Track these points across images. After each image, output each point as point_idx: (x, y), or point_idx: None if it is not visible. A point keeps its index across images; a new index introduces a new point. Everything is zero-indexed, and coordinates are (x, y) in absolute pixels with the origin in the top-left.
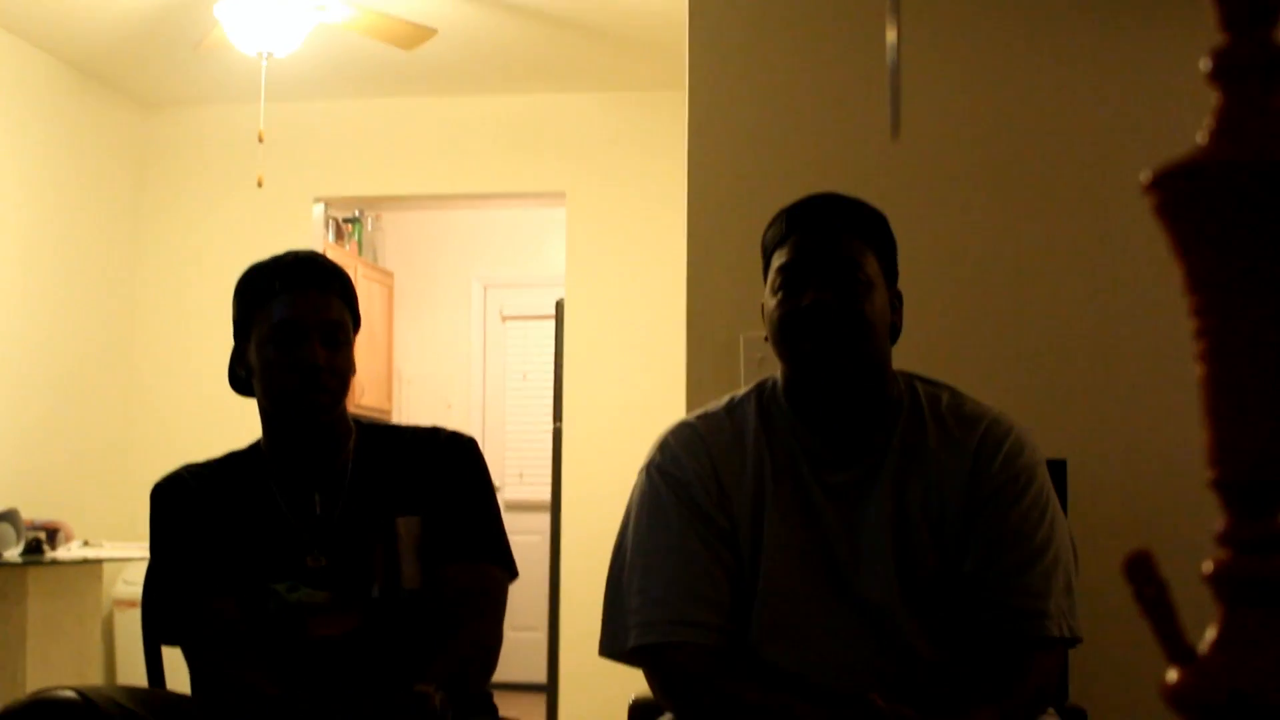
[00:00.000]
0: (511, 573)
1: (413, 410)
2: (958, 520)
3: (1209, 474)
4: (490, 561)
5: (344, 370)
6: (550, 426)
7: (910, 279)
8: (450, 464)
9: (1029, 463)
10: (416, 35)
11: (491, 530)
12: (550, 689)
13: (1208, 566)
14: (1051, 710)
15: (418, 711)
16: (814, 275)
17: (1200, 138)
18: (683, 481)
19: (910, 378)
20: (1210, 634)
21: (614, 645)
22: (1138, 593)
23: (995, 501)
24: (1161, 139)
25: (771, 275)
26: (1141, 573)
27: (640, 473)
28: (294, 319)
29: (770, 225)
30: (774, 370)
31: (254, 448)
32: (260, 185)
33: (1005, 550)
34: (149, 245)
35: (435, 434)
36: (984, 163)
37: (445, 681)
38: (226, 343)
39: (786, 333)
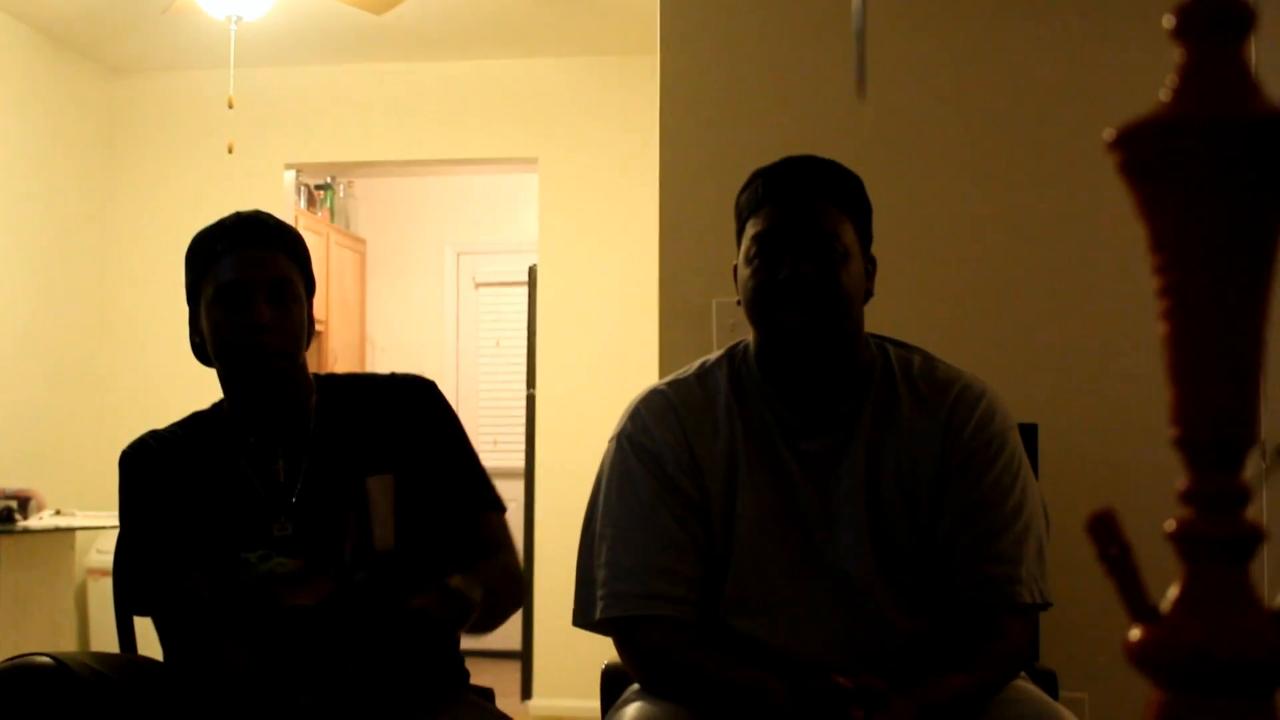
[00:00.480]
0: (503, 508)
1: None
2: (930, 487)
3: (1172, 432)
4: (487, 510)
5: (294, 328)
6: (524, 393)
7: (881, 243)
8: (418, 414)
9: (1000, 428)
10: (388, 0)
11: (477, 479)
12: (525, 656)
13: (1170, 525)
14: (1023, 674)
15: (453, 605)
16: (791, 246)
17: (1163, 94)
18: (653, 452)
19: (882, 341)
20: (1172, 592)
21: (584, 616)
22: (1101, 552)
23: (967, 468)
24: (1132, 97)
25: (746, 243)
26: (1104, 532)
27: (610, 441)
28: (238, 279)
29: (745, 187)
30: (746, 335)
31: (217, 408)
32: (230, 152)
33: (977, 517)
34: (119, 213)
35: (393, 380)
36: (953, 124)
37: (481, 587)
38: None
39: (762, 304)
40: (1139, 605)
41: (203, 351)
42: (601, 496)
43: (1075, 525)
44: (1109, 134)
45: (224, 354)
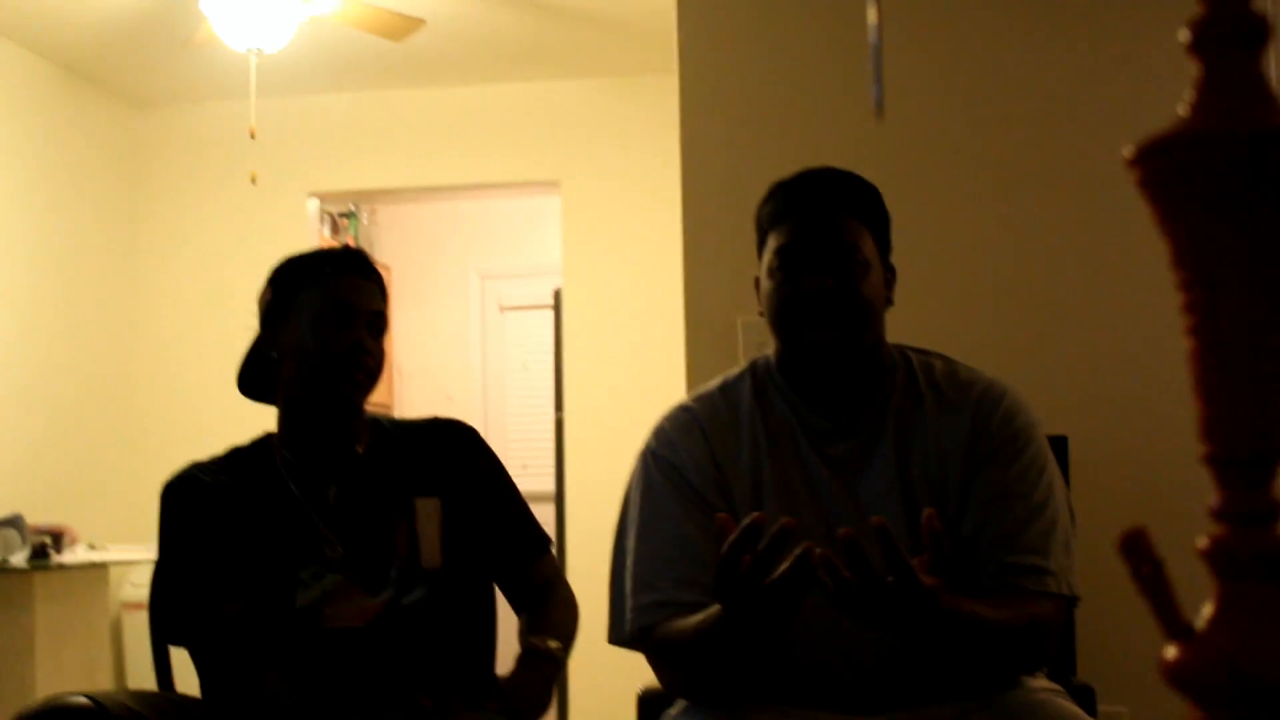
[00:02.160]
0: (551, 544)
1: (413, 404)
2: (958, 483)
3: (1201, 449)
4: (541, 553)
5: (381, 361)
6: (552, 416)
7: (907, 256)
8: (462, 455)
9: (1025, 424)
10: (405, 26)
11: (528, 522)
12: (560, 679)
13: (1202, 542)
14: (1061, 690)
15: (541, 663)
16: (812, 259)
17: (1181, 109)
18: (677, 466)
19: (902, 348)
20: (1207, 610)
21: (617, 632)
22: (1134, 570)
23: (992, 462)
24: (1151, 111)
25: (768, 255)
26: (1137, 550)
27: (637, 459)
28: (347, 301)
29: (766, 200)
30: (771, 353)
31: (259, 443)
32: (254, 182)
33: (1003, 509)
34: (145, 244)
35: (436, 423)
36: (976, 138)
37: (559, 635)
38: (226, 340)
39: (786, 316)
40: (1173, 624)
41: (252, 383)
42: (629, 513)
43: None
44: (1128, 151)
45: (315, 370)
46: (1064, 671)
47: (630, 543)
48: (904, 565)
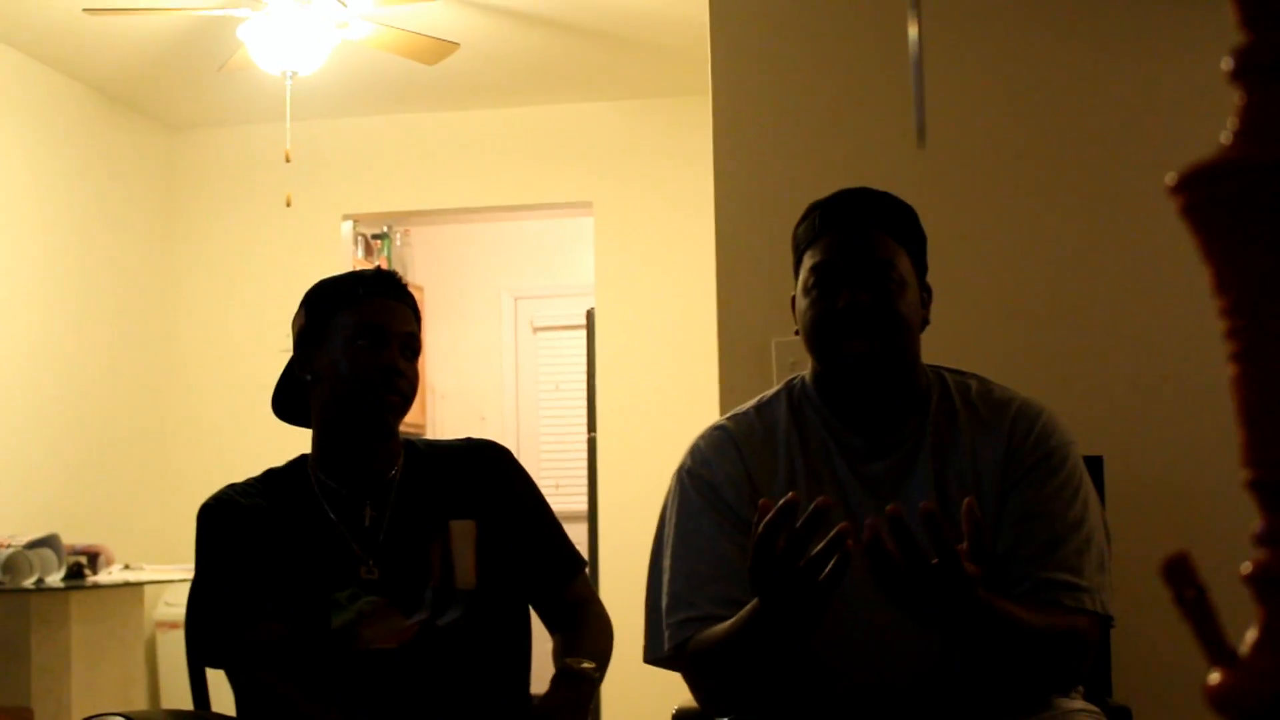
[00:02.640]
0: (585, 564)
1: (446, 424)
2: (993, 502)
3: (1245, 474)
4: (575, 573)
5: (416, 383)
6: (584, 436)
7: (944, 276)
8: (497, 476)
9: (1060, 443)
10: (439, 50)
11: (562, 544)
12: (594, 700)
13: (1246, 567)
14: (1098, 713)
15: (576, 684)
16: (848, 276)
17: (1224, 138)
18: (713, 484)
19: (937, 369)
20: (1251, 635)
21: (654, 651)
22: (1177, 596)
23: (1027, 481)
24: (1194, 136)
25: (804, 274)
26: (1180, 575)
27: (673, 478)
28: (380, 324)
29: (802, 220)
30: (807, 373)
31: (294, 465)
32: (289, 204)
33: (1037, 527)
34: (181, 267)
35: (470, 444)
36: (1014, 159)
37: (594, 655)
38: (262, 361)
39: (821, 334)
40: (1217, 649)
41: (287, 406)
42: (664, 532)
43: (1142, 558)
44: (1171, 178)
45: (350, 392)
46: (1100, 693)
47: (666, 561)
48: (949, 548)
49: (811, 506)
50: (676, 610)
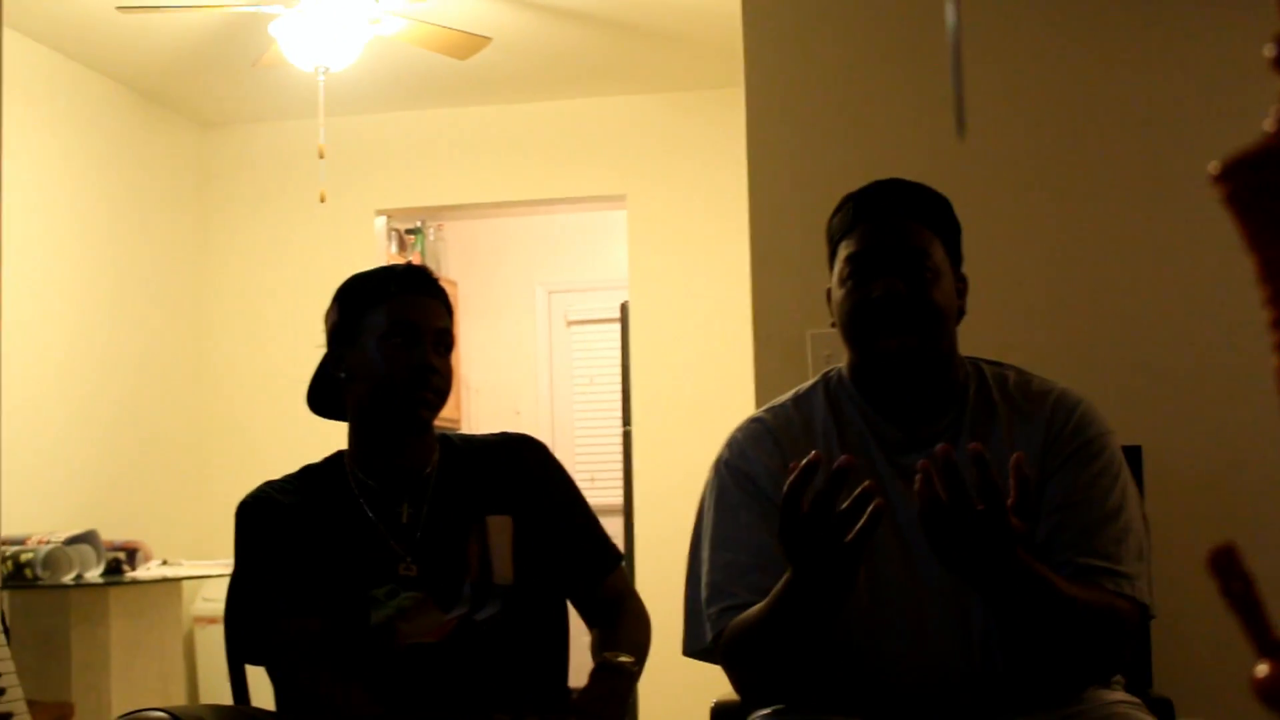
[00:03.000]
0: (622, 558)
1: (481, 419)
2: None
3: None
4: (613, 567)
5: (450, 378)
6: (619, 430)
7: (984, 266)
8: (533, 469)
9: (1099, 432)
10: (471, 44)
11: (599, 537)
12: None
13: None
14: (1121, 681)
15: (615, 678)
16: (883, 265)
17: (1267, 125)
18: (750, 475)
19: (975, 361)
20: None
21: (694, 643)
22: (1224, 588)
23: (1065, 468)
24: (1236, 125)
25: (839, 264)
26: (1227, 567)
27: (710, 470)
28: (413, 321)
29: (836, 212)
30: (844, 365)
31: (331, 461)
32: (323, 201)
33: (1075, 514)
34: (215, 263)
35: (506, 438)
36: (1054, 147)
37: (632, 649)
38: (296, 357)
39: (857, 323)
40: (1265, 640)
41: (322, 401)
42: (702, 524)
43: (1184, 548)
44: (1214, 167)
45: (384, 391)
46: (1142, 684)
47: (705, 553)
48: (995, 493)
49: (835, 465)
50: (715, 600)
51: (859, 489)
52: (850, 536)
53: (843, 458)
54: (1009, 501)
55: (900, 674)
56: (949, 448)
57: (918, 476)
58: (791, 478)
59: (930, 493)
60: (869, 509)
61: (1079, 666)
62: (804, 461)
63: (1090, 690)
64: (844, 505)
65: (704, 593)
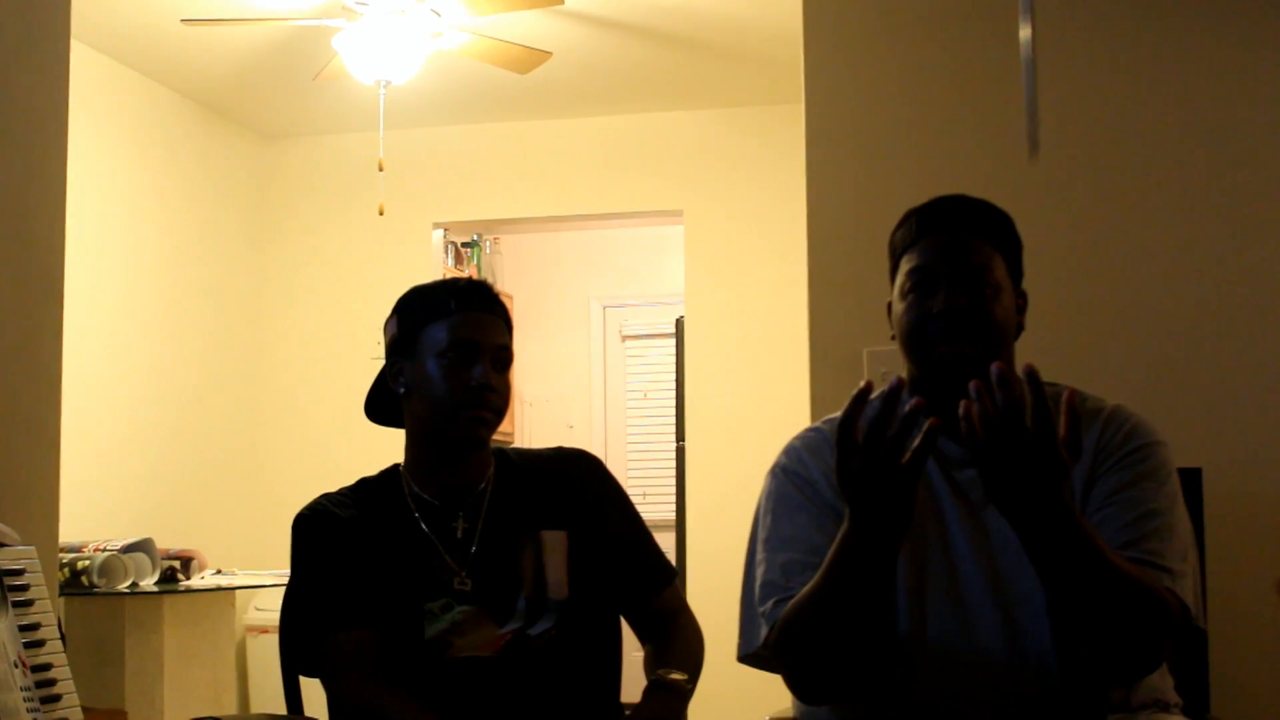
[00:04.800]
0: (675, 574)
1: (535, 432)
2: (1081, 499)
3: None
4: (667, 583)
5: (508, 395)
6: (672, 445)
7: (1046, 284)
8: (588, 485)
9: (1149, 440)
10: (531, 59)
11: (654, 553)
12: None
13: None
14: (1179, 704)
15: (669, 695)
16: (945, 279)
17: None
18: (808, 480)
19: None
20: None
21: (748, 644)
22: None
23: (1113, 470)
24: None
25: (901, 278)
26: None
27: (766, 477)
28: (472, 338)
29: (899, 226)
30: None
31: (387, 474)
32: (381, 213)
33: (1120, 511)
34: (274, 274)
35: (561, 453)
36: (1119, 168)
37: (685, 666)
38: (353, 368)
39: (917, 335)
40: None
41: (381, 410)
42: (759, 527)
43: (1246, 572)
44: None
45: (442, 407)
46: (1200, 707)
47: (760, 555)
48: (1048, 417)
49: (887, 388)
50: (770, 596)
51: (909, 407)
52: (906, 458)
53: (913, 400)
54: (1060, 435)
55: (949, 685)
56: (1004, 365)
57: (971, 385)
58: (845, 408)
59: (984, 408)
60: (924, 429)
61: (1121, 649)
62: (855, 391)
63: (1149, 714)
64: (893, 430)
65: (758, 593)
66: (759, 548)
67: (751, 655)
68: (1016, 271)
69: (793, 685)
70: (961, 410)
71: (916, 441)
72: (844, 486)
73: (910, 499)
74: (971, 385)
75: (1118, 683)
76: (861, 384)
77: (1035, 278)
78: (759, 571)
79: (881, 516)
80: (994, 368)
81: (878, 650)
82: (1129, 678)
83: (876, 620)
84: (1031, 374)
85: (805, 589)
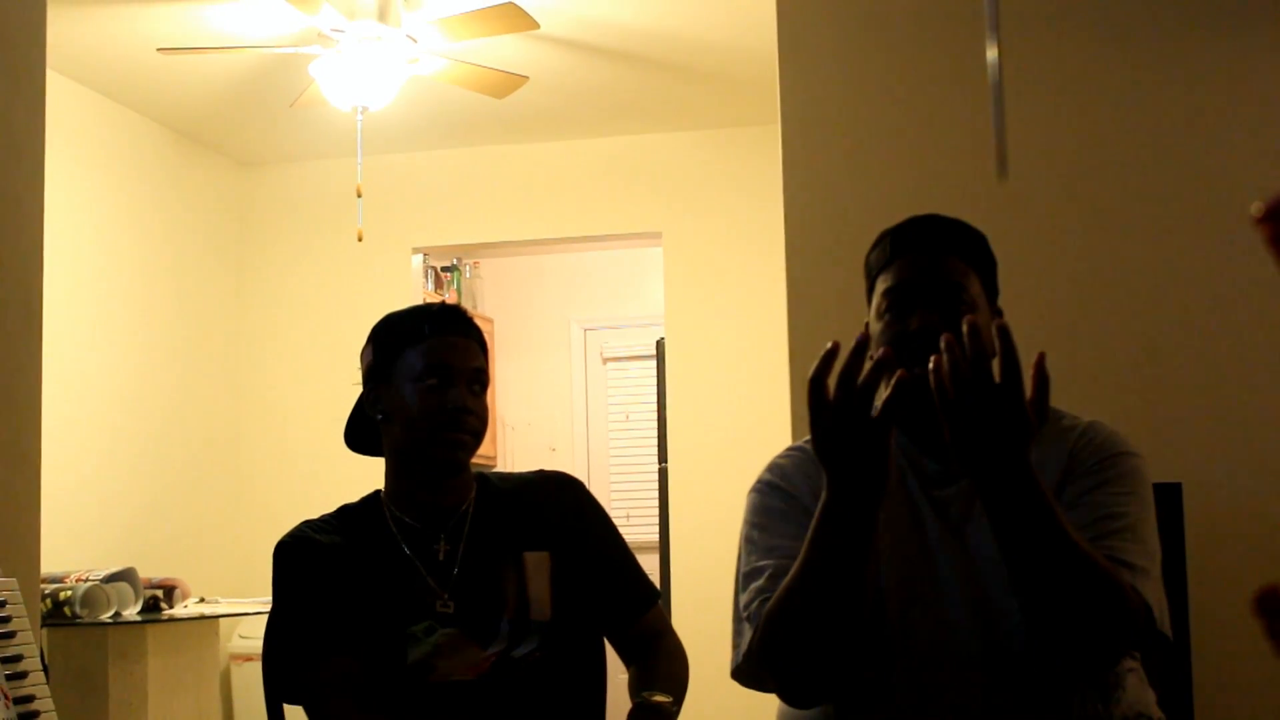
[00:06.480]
0: (659, 596)
1: (517, 456)
2: None
3: None
4: (650, 605)
5: (485, 417)
6: (654, 467)
7: (1022, 302)
8: (570, 508)
9: (1121, 452)
10: (508, 83)
11: (636, 575)
12: None
13: None
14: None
15: (655, 717)
16: (920, 298)
17: None
18: (793, 494)
19: None
20: None
21: (738, 651)
22: (1269, 629)
23: (1083, 477)
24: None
25: (877, 298)
26: (1273, 608)
27: (749, 493)
28: (446, 361)
29: (873, 247)
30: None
31: (368, 500)
32: (360, 240)
33: (1086, 512)
34: (253, 302)
35: (543, 476)
36: (1089, 184)
37: (670, 688)
38: (334, 395)
39: (895, 354)
40: None
41: (359, 438)
42: (743, 542)
43: (1224, 586)
44: (1257, 209)
45: (419, 432)
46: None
47: (746, 568)
48: (1016, 372)
49: (854, 343)
50: (754, 600)
51: (877, 358)
52: (876, 412)
53: (883, 350)
54: (1027, 397)
55: (930, 692)
56: (976, 319)
57: (943, 339)
58: (814, 368)
59: (954, 358)
60: (893, 379)
61: (1080, 632)
62: (825, 350)
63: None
64: (863, 378)
65: (745, 599)
66: (744, 562)
67: (743, 671)
68: (992, 289)
69: (780, 687)
70: (931, 364)
71: (886, 393)
72: (818, 447)
73: (884, 455)
74: (942, 339)
75: (1079, 673)
76: (829, 345)
77: (1010, 296)
78: (747, 584)
79: (857, 475)
80: (966, 320)
81: (859, 640)
82: (1089, 665)
83: (857, 600)
84: (1004, 330)
85: (787, 578)
